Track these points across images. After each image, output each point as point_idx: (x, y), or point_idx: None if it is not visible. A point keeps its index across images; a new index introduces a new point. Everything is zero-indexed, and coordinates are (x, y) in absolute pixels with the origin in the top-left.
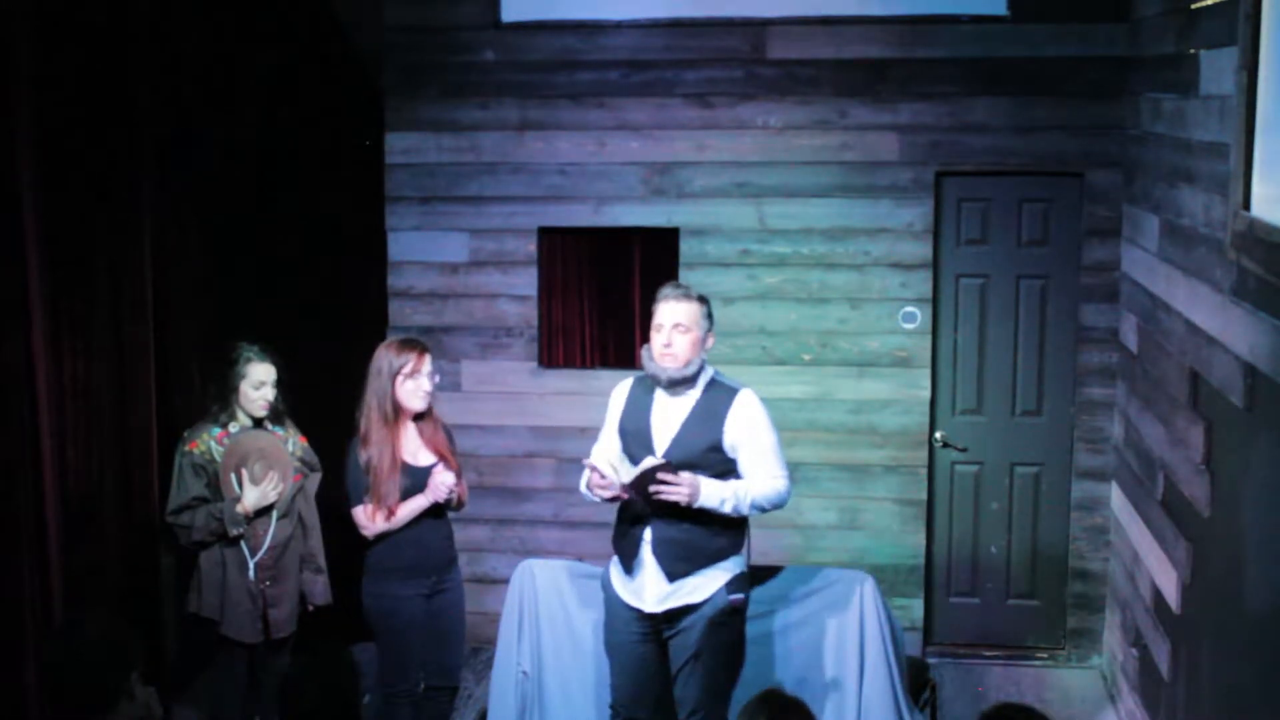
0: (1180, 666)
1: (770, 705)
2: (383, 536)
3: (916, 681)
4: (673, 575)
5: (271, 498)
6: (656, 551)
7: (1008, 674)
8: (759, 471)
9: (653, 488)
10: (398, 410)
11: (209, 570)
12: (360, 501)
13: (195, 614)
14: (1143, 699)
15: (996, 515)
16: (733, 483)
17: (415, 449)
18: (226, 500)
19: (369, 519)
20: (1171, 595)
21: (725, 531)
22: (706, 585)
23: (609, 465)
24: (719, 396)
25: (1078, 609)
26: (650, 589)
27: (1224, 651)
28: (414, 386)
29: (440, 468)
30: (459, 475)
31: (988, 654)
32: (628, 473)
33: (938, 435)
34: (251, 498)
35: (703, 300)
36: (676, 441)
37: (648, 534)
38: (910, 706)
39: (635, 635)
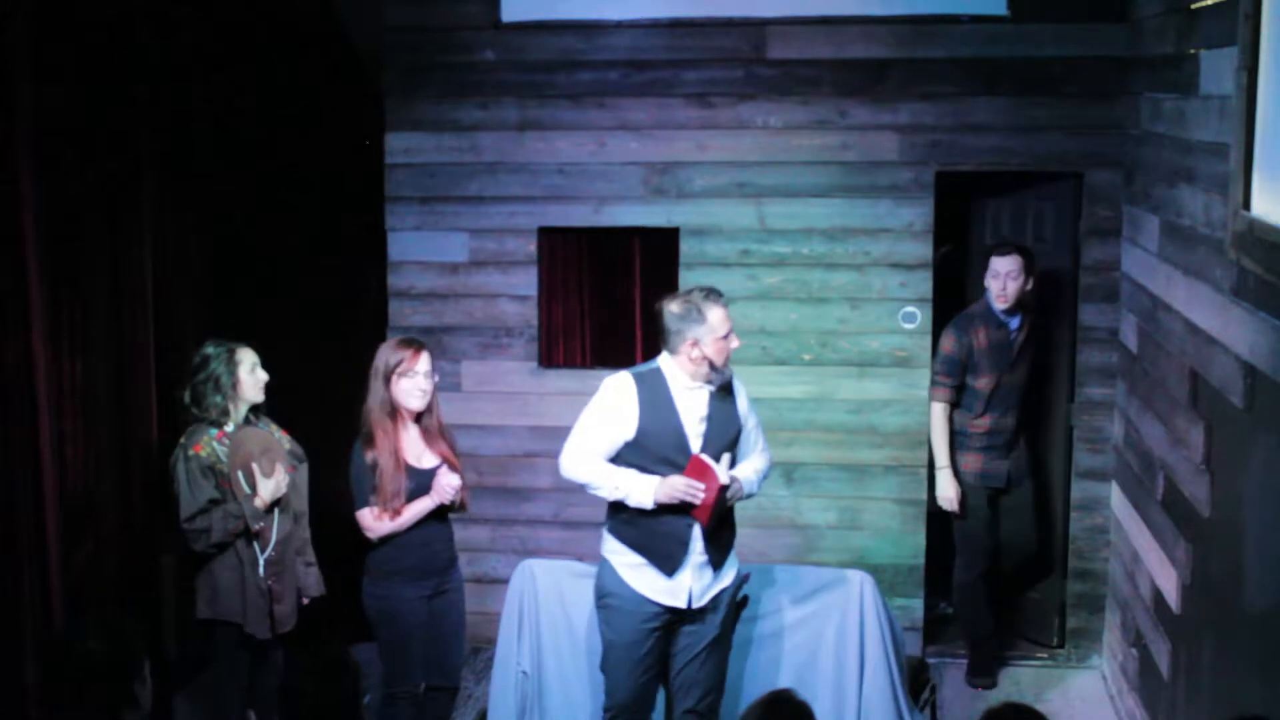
0: (1180, 666)
1: (774, 708)
2: (386, 539)
3: (916, 681)
4: (717, 566)
5: (284, 489)
6: (707, 548)
7: (1008, 674)
8: (756, 447)
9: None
10: (396, 410)
11: (225, 574)
12: (365, 503)
13: (211, 619)
14: (1143, 699)
15: None
16: (747, 466)
17: (419, 451)
18: (243, 498)
19: (375, 521)
20: (1171, 595)
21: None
22: (730, 568)
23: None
24: (723, 385)
25: (1078, 609)
26: (695, 585)
27: (1224, 651)
28: (409, 385)
29: (444, 470)
30: (462, 478)
31: None
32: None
33: None
34: (268, 490)
35: None
36: (709, 436)
37: (695, 532)
38: (910, 706)
39: (655, 638)
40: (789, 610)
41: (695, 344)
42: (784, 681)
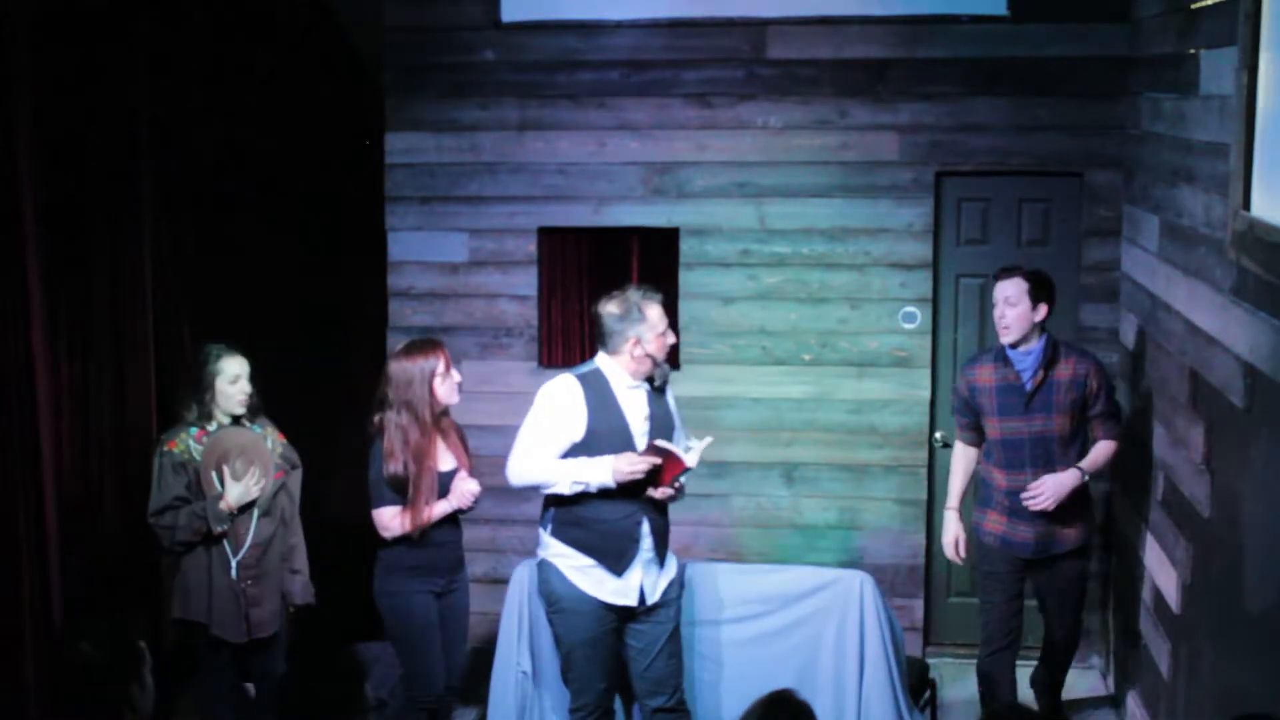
0: (1180, 666)
1: (774, 708)
2: (401, 537)
3: (916, 681)
4: (663, 560)
5: (254, 493)
6: (655, 543)
7: None
8: (682, 442)
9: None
10: (436, 413)
11: (194, 573)
12: (382, 504)
13: (183, 619)
14: (1143, 699)
15: None
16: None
17: (439, 453)
18: (209, 498)
19: (397, 523)
20: (1171, 595)
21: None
22: (670, 559)
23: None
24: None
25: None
26: (646, 582)
27: (1224, 651)
28: (450, 384)
29: (463, 475)
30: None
31: None
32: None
33: (938, 435)
34: (235, 493)
35: None
36: (652, 434)
37: (645, 528)
38: (910, 706)
39: (614, 635)
40: (789, 610)
41: (638, 342)
42: (784, 681)
